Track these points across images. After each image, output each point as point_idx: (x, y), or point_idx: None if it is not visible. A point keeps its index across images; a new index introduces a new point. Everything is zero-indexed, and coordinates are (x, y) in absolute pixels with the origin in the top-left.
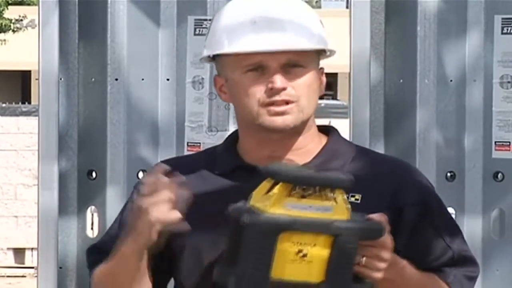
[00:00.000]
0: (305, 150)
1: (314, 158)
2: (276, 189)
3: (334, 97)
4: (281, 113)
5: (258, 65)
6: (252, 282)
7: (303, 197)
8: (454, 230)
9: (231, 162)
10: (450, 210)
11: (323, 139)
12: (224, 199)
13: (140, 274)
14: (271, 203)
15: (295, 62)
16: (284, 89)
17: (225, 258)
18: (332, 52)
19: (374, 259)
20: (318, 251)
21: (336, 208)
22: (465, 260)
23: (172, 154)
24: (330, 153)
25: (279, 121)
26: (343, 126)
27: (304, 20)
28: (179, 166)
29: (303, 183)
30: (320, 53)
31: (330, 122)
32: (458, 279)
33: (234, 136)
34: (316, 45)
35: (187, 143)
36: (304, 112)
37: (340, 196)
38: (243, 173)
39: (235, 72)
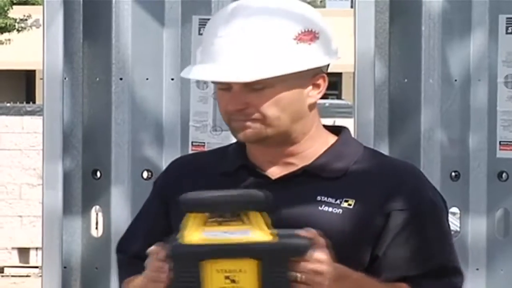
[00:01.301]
0: (305, 154)
1: (315, 160)
2: (191, 219)
3: (338, 97)
4: (242, 128)
5: (225, 83)
6: None
7: (220, 223)
8: (442, 240)
9: (236, 162)
10: (455, 209)
11: (331, 140)
12: None
13: None
14: (187, 233)
15: (259, 83)
16: (240, 110)
17: None
18: (324, 66)
19: (310, 274)
20: (247, 275)
21: (255, 230)
22: (447, 271)
23: (177, 154)
24: (333, 155)
25: (240, 136)
26: (347, 126)
27: (264, 47)
28: (187, 164)
29: (211, 210)
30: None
31: (334, 121)
32: None
33: None
34: (265, 74)
35: (192, 142)
36: (270, 128)
37: (255, 217)
38: (246, 173)
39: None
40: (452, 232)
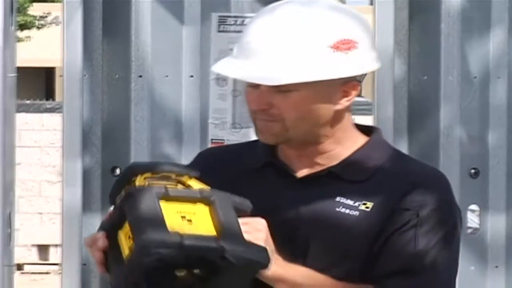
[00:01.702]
0: (331, 154)
1: (341, 162)
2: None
3: (358, 94)
4: (262, 130)
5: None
6: (154, 239)
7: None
8: (433, 246)
9: (263, 158)
10: (474, 207)
11: (361, 141)
12: (246, 194)
13: None
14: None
15: (286, 86)
16: (263, 110)
17: None
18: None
19: (251, 234)
20: (200, 218)
21: (192, 184)
22: (415, 273)
23: (196, 151)
24: (360, 158)
25: (260, 137)
26: (366, 123)
27: (298, 51)
28: (215, 156)
29: (153, 170)
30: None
31: (354, 119)
32: None
33: None
34: (290, 79)
35: (211, 139)
36: (291, 131)
37: (193, 182)
38: (272, 170)
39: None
40: (470, 231)
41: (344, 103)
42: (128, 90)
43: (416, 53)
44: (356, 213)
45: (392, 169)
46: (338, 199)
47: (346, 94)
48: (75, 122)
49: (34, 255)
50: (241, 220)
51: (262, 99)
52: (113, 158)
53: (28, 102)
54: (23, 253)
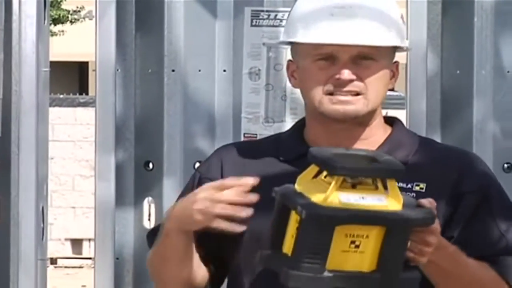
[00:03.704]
0: (371, 141)
1: (379, 148)
2: (329, 179)
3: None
4: (344, 102)
5: (329, 55)
6: (308, 273)
7: (353, 186)
8: (510, 220)
9: (296, 149)
10: None
11: (388, 130)
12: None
13: (187, 256)
14: (326, 195)
15: (366, 54)
16: (351, 81)
17: (270, 242)
18: (408, 49)
19: (419, 243)
20: (371, 242)
21: (389, 198)
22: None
23: None
24: (394, 144)
25: (340, 110)
26: (400, 117)
27: (383, 14)
28: (245, 150)
29: (355, 176)
30: (396, 47)
31: (387, 113)
32: None
33: (302, 123)
34: (390, 42)
35: (244, 134)
36: (370, 104)
37: (392, 184)
38: (306, 162)
39: (306, 60)
40: None
41: (393, 81)
42: (161, 84)
43: (449, 47)
44: (413, 194)
45: (430, 151)
46: None
47: (393, 74)
48: (108, 117)
49: (67, 249)
50: (418, 235)
51: (348, 69)
52: (146, 152)
53: (61, 96)
54: (56, 247)
